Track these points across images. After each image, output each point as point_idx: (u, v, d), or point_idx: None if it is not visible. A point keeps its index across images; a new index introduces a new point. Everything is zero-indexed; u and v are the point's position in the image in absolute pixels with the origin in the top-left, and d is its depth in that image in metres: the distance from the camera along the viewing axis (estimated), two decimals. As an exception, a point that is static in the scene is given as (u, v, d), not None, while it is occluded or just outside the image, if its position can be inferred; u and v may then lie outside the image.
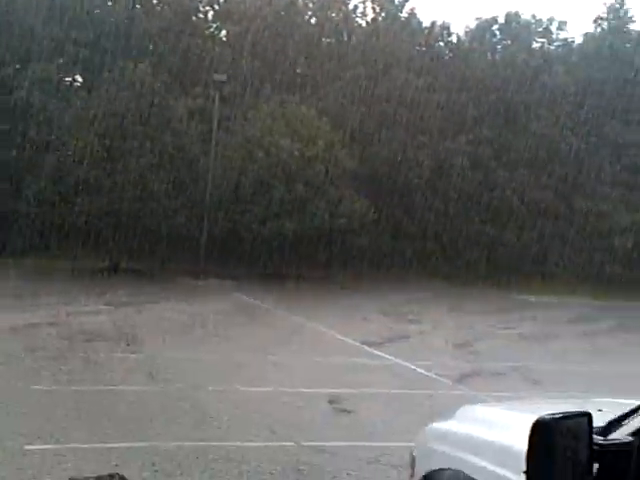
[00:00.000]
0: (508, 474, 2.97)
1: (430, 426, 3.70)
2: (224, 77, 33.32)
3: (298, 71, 39.54)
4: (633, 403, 3.53)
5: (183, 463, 6.98)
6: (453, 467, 3.25)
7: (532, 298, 29.84)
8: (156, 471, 6.70)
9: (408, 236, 37.00)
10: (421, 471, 3.46)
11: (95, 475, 5.30)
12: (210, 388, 10.37)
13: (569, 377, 12.91)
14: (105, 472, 5.55)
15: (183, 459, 7.10)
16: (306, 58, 39.09)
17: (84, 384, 10.16)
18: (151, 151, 29.67)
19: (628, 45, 45.27)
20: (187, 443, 7.62)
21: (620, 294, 32.41)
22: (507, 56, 42.01)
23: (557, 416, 2.33)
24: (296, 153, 31.07)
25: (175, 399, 9.55)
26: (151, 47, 36.11)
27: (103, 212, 28.93)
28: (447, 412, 3.84)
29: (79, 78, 37.46)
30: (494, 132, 38.96)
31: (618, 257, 37.33)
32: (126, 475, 5.48)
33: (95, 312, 18.09)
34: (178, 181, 30.28)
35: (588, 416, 2.42)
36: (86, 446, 7.32)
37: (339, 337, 16.33)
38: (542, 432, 2.31)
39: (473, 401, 9.20)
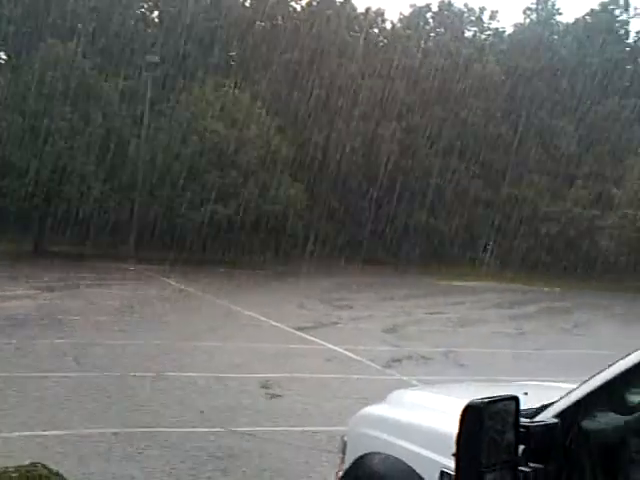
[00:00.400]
0: (437, 457, 3.01)
1: (361, 411, 3.72)
2: (156, 58, 32.73)
3: (232, 54, 39.17)
4: (557, 385, 3.62)
5: (110, 450, 6.86)
6: (384, 451, 3.27)
7: (461, 283, 30.38)
8: (82, 459, 6.56)
9: (341, 222, 37.25)
10: (352, 456, 3.48)
11: (17, 465, 5.14)
12: (139, 374, 10.21)
13: (495, 360, 13.19)
14: (28, 461, 5.39)
15: (110, 446, 6.97)
16: (240, 41, 38.74)
17: (8, 370, 9.87)
18: (80, 132, 28.95)
19: (555, 37, 46.41)
20: (114, 430, 7.49)
21: (545, 279, 33.31)
22: (440, 44, 42.49)
23: (487, 400, 2.37)
24: (230, 138, 30.80)
25: (102, 385, 9.37)
26: (80, 26, 35.14)
27: (29, 194, 28.11)
28: (377, 397, 3.87)
29: (3, 56, 36.25)
30: (426, 119, 39.39)
31: (543, 244, 38.34)
32: (50, 464, 5.33)
33: (20, 297, 17.60)
34: (108, 164, 29.66)
35: (515, 399, 2.47)
36: (9, 435, 7.12)
37: (271, 322, 16.30)
38: (472, 416, 2.34)
39: (402, 385, 9.33)
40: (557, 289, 31.04)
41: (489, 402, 2.37)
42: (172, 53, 35.78)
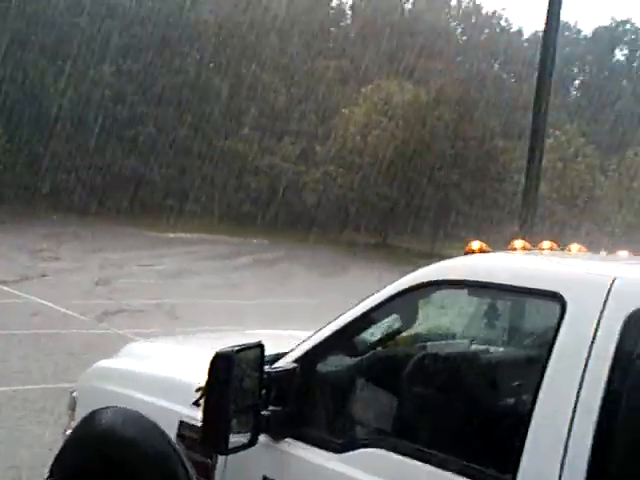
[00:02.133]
0: (175, 407, 3.00)
1: (94, 365, 3.57)
2: None
3: None
4: (284, 333, 3.78)
5: None
6: (118, 404, 3.18)
7: (174, 235, 30.35)
8: None
9: (46, 169, 35.01)
10: (83, 412, 3.33)
11: None
12: None
13: (209, 311, 13.42)
14: None
15: None
16: None
17: None
18: None
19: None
20: None
21: (254, 232, 34.49)
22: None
23: (236, 348, 2.42)
24: None
25: None
26: None
27: None
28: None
29: None
30: (139, 66, 38.25)
31: (253, 197, 39.59)
32: None
33: None
34: None
35: (261, 347, 2.56)
36: None
37: (-32, 276, 14.99)
38: (222, 364, 2.39)
39: (116, 339, 9.19)
40: (266, 241, 32.28)
41: (238, 350, 2.43)
42: None
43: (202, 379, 2.50)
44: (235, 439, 2.50)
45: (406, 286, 2.69)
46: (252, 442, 2.58)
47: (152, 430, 3.02)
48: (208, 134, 40.23)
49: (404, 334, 3.12)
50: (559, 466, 2.09)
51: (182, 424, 2.95)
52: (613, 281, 2.22)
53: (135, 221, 32.54)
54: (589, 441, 2.05)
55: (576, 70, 59.62)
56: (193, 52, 40.28)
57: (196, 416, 2.75)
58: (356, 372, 2.92)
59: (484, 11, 59.35)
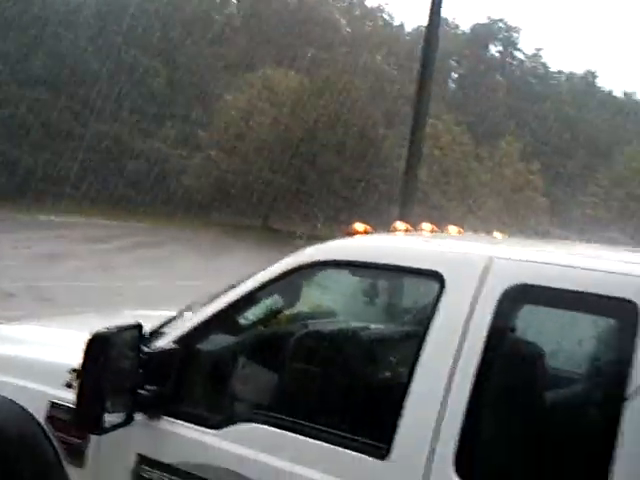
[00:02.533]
0: (45, 388, 2.90)
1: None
2: None
3: None
4: (164, 314, 3.71)
5: None
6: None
7: (48, 218, 29.21)
8: None
9: None
10: None
11: None
12: None
13: (84, 294, 12.95)
14: None
15: None
16: None
17: None
18: None
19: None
20: None
21: (133, 215, 33.67)
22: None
23: (113, 329, 2.35)
24: None
25: None
26: None
27: None
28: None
29: None
30: (12, 46, 36.34)
31: (132, 180, 38.59)
32: None
33: None
34: None
35: (139, 327, 2.50)
36: None
37: None
38: (98, 345, 2.33)
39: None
40: (146, 225, 31.57)
41: (116, 331, 2.37)
42: None
43: (75, 360, 2.42)
44: (110, 419, 2.45)
45: (289, 267, 2.69)
46: (127, 421, 2.53)
47: (18, 413, 2.90)
48: (85, 117, 38.78)
49: (286, 313, 3.11)
50: (432, 436, 2.15)
51: (53, 406, 2.85)
52: (489, 260, 2.30)
53: (8, 205, 31.00)
54: (462, 413, 2.12)
55: (454, 64, 61.44)
56: (69, 34, 38.58)
57: (68, 397, 2.66)
58: (237, 350, 2.90)
59: (368, 4, 60.18)
